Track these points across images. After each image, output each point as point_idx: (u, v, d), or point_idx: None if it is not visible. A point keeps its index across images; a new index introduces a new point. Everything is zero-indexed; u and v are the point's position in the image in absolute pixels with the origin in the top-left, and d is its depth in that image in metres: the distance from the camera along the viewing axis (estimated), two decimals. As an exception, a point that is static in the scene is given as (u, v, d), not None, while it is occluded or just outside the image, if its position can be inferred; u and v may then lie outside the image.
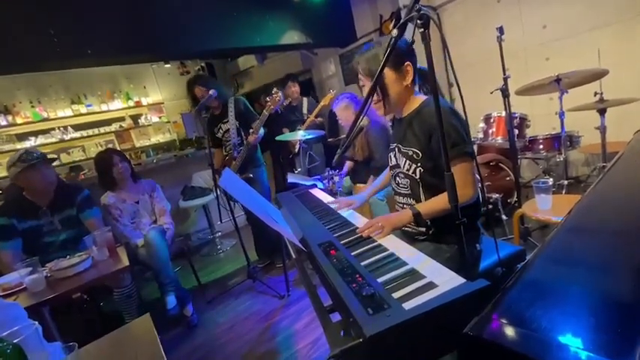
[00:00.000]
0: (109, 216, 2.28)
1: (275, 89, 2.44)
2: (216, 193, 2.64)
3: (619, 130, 2.48)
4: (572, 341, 0.45)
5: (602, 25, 2.61)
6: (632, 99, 2.12)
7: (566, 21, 2.78)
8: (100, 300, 2.27)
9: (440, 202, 1.06)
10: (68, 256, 1.71)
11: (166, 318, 2.13)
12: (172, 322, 2.19)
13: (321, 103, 3.40)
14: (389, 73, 1.13)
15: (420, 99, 1.19)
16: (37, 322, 0.71)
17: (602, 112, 2.22)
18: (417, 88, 1.21)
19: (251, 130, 2.46)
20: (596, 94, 2.19)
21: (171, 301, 2.14)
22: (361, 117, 1.08)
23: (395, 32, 0.85)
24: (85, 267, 1.64)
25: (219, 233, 3.78)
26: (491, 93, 2.17)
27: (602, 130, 2.25)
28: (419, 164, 1.15)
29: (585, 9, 2.65)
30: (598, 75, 2.15)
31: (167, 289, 2.15)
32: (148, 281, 2.58)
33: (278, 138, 2.96)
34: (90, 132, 4.89)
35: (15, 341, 0.61)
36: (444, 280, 0.73)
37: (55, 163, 2.31)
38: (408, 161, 1.18)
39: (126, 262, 1.67)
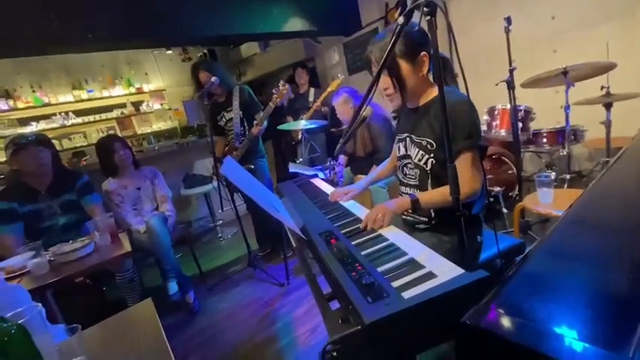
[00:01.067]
0: (110, 202, 2.30)
1: (282, 82, 2.41)
2: (218, 181, 2.64)
3: (624, 125, 2.45)
4: (568, 332, 0.46)
5: (611, 18, 2.55)
6: (639, 94, 2.10)
7: (575, 13, 2.72)
8: (103, 284, 2.30)
9: (442, 193, 1.06)
10: (71, 241, 1.73)
11: (168, 304, 2.16)
12: (174, 308, 2.23)
13: (328, 89, 3.36)
14: (404, 65, 1.11)
15: (437, 89, 1.17)
16: (40, 304, 0.72)
17: (608, 106, 2.19)
18: (431, 77, 1.19)
19: (255, 122, 2.44)
20: (602, 87, 2.16)
21: (172, 287, 2.18)
22: (364, 107, 1.07)
23: (401, 20, 0.83)
24: (88, 252, 1.66)
25: (221, 221, 3.80)
26: (497, 85, 2.15)
27: (608, 124, 2.22)
28: (432, 155, 1.13)
29: (595, 1, 2.59)
30: (606, 68, 2.12)
31: (169, 275, 2.18)
32: (150, 267, 2.61)
33: (280, 127, 2.94)
34: (91, 118, 4.88)
35: (18, 323, 0.62)
36: (444, 270, 0.74)
37: (57, 149, 2.32)
38: (420, 151, 1.17)
39: (128, 247, 1.68)
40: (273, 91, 2.39)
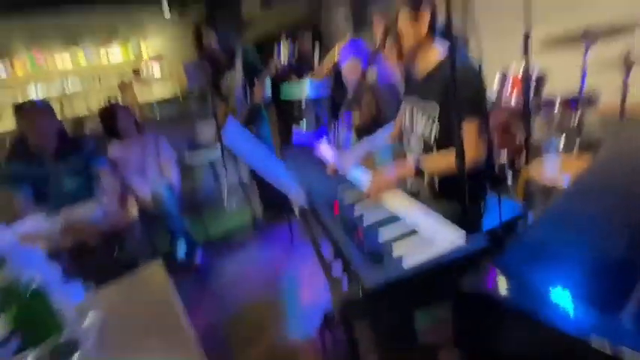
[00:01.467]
0: (115, 167, 2.32)
1: (283, 43, 2.30)
2: (221, 147, 2.63)
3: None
4: (563, 295, 0.47)
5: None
6: (663, 56, 1.97)
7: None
8: (114, 245, 2.38)
9: (446, 158, 1.04)
10: (80, 205, 1.77)
11: (176, 265, 2.25)
12: (182, 268, 2.32)
13: (334, 50, 3.20)
14: (404, 18, 1.04)
15: (440, 51, 1.11)
16: (54, 265, 0.76)
17: (628, 69, 2.07)
18: (436, 36, 1.12)
19: (256, 86, 2.37)
20: (624, 50, 2.03)
21: (181, 247, 2.26)
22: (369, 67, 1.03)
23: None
24: (97, 215, 1.70)
25: (225, 187, 3.84)
26: (511, 46, 2.02)
27: (625, 88, 2.12)
28: (436, 121, 1.10)
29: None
30: (629, 27, 1.98)
31: (177, 235, 2.25)
32: (158, 230, 2.69)
33: (284, 96, 2.86)
34: (91, 86, 4.79)
35: (35, 284, 0.65)
36: (445, 237, 0.75)
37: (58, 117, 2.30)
38: (424, 117, 1.13)
39: (135, 211, 1.72)
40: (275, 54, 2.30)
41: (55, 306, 0.66)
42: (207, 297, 2.08)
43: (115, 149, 2.31)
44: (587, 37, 2.04)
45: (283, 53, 2.26)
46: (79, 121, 4.40)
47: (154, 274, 1.08)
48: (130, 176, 2.33)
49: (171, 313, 0.85)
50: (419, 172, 1.09)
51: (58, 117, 2.13)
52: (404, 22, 1.05)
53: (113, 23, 4.99)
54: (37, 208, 1.66)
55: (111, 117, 2.24)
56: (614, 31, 2.04)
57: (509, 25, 2.35)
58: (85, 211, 1.68)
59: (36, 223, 1.60)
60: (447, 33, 0.76)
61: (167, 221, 2.21)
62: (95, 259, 2.24)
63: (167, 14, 4.97)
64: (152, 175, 2.40)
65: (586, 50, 2.11)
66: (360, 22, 4.23)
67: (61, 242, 1.50)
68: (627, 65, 2.05)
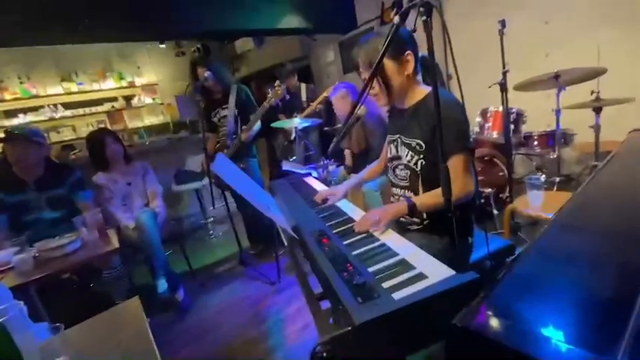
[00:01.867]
0: (99, 197, 2.26)
1: (278, 82, 2.40)
2: (209, 178, 2.61)
3: (613, 129, 2.49)
4: (556, 334, 0.46)
5: (602, 24, 2.59)
6: (628, 99, 2.13)
7: (567, 18, 2.76)
8: (90, 281, 2.26)
9: (436, 195, 1.06)
10: (57, 237, 1.70)
11: (157, 301, 2.13)
12: (163, 305, 2.20)
13: (324, 94, 3.34)
14: (389, 63, 1.11)
15: (425, 90, 1.18)
16: (22, 302, 0.70)
17: (597, 110, 2.22)
18: (420, 78, 1.19)
19: (244, 127, 2.43)
20: (592, 92, 2.19)
21: (162, 284, 2.14)
22: (358, 106, 1.07)
23: (397, 20, 0.83)
24: (74, 248, 1.63)
25: (212, 218, 3.77)
26: (490, 87, 2.16)
27: (597, 128, 2.26)
28: (421, 156, 1.14)
29: (587, 7, 2.63)
30: (596, 73, 2.16)
31: (158, 272, 2.15)
32: (139, 264, 2.57)
33: (274, 125, 2.93)
34: (81, 111, 4.79)
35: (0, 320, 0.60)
36: (434, 271, 0.74)
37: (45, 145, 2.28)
38: (410, 152, 1.17)
39: (116, 243, 1.66)
40: (268, 90, 2.37)
41: (17, 345, 0.61)
42: (189, 335, 1.95)
43: (100, 178, 2.26)
44: (559, 81, 2.20)
45: (275, 91, 2.33)
46: (66, 147, 4.34)
47: (130, 312, 1.01)
48: (114, 205, 2.27)
49: (147, 356, 0.79)
50: (414, 210, 1.10)
51: (45, 143, 2.10)
52: (389, 64, 1.11)
53: (108, 57, 5.11)
54: (12, 240, 1.58)
55: (99, 144, 2.21)
56: (582, 76, 2.21)
57: (488, 67, 2.53)
58: (63, 243, 1.60)
59: (5, 255, 1.51)
60: (430, 73, 0.81)
61: (149, 253, 2.12)
62: (68, 295, 2.11)
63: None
64: (137, 205, 2.35)
65: (558, 92, 2.27)
66: (348, 62, 4.46)
67: (33, 276, 1.41)
68: (596, 108, 2.20)
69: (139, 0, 2.78)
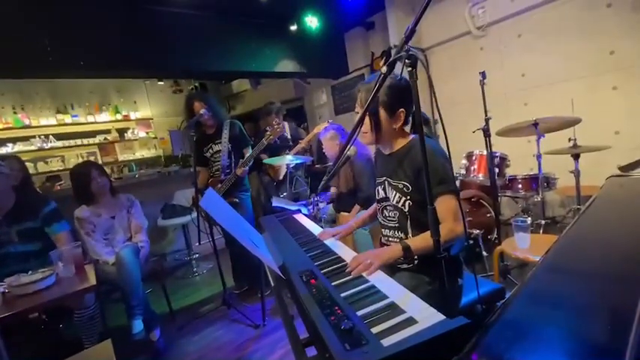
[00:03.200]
0: (80, 230, 2.17)
1: (276, 120, 2.46)
2: (197, 213, 2.57)
3: (592, 174, 2.59)
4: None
5: (575, 78, 2.82)
6: (604, 146, 2.26)
7: (542, 71, 3.00)
8: (60, 322, 2.10)
9: (427, 238, 1.06)
10: (30, 272, 1.60)
11: (130, 344, 1.98)
12: (137, 348, 2.04)
13: (314, 131, 3.41)
14: (383, 113, 1.17)
15: (409, 137, 1.24)
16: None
17: (576, 157, 2.34)
18: (407, 129, 1.25)
19: (241, 161, 2.45)
20: (570, 140, 2.32)
21: (137, 325, 2.00)
22: (349, 146, 1.10)
23: (384, 69, 0.89)
24: (48, 284, 1.53)
25: (197, 255, 3.64)
26: (474, 132, 2.27)
27: (577, 173, 2.36)
28: (408, 197, 1.17)
29: (561, 61, 2.88)
30: (572, 122, 2.30)
31: (134, 311, 2.01)
32: (115, 303, 2.42)
33: (266, 161, 2.96)
34: (72, 142, 4.78)
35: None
36: (424, 316, 0.72)
37: (31, 172, 2.23)
38: (398, 194, 1.20)
39: (93, 280, 1.57)
40: (267, 128, 2.43)
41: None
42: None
43: (83, 211, 2.19)
44: (537, 128, 2.33)
45: (275, 129, 2.39)
46: (51, 178, 4.26)
47: (101, 357, 0.94)
48: (95, 239, 2.18)
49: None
50: (408, 254, 1.09)
51: (10, 173, 2.04)
52: (382, 113, 1.18)
53: (105, 91, 5.22)
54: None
55: (84, 177, 2.15)
56: (559, 125, 2.35)
57: (471, 113, 2.67)
58: (36, 278, 1.51)
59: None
60: (417, 124, 0.85)
61: (127, 291, 2.00)
62: (34, 336, 1.95)
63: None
64: (119, 240, 2.26)
65: (538, 138, 2.39)
66: (339, 104, 4.67)
67: (0, 314, 1.31)
68: (574, 154, 2.32)
69: (140, 39, 2.91)
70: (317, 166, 3.54)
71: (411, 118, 1.23)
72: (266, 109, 3.42)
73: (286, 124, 3.85)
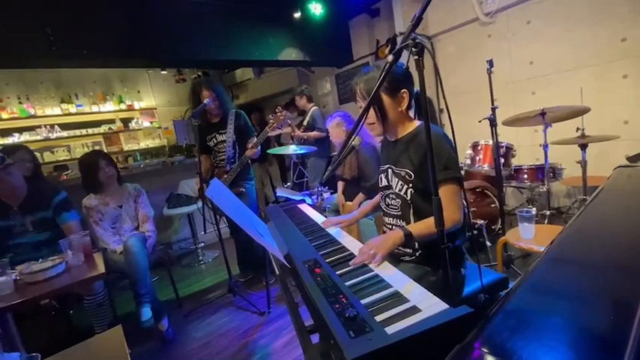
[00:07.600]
0: (89, 219, 2.21)
1: (279, 107, 2.45)
2: (203, 202, 2.59)
3: (599, 164, 2.57)
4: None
5: (584, 66, 2.76)
6: (612, 136, 2.22)
7: (551, 59, 2.93)
8: (71, 308, 2.15)
9: (428, 224, 1.06)
10: (41, 260, 1.64)
11: (140, 331, 2.03)
12: (146, 335, 2.10)
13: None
14: (386, 98, 1.16)
15: (415, 123, 1.23)
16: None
17: (583, 147, 2.31)
18: (412, 113, 1.24)
19: (250, 145, 2.45)
20: (578, 129, 2.29)
21: (146, 313, 2.05)
22: (354, 136, 1.10)
23: (390, 58, 0.87)
24: (58, 272, 1.57)
25: (202, 244, 3.69)
26: (480, 122, 2.24)
27: (583, 164, 2.33)
28: (411, 185, 1.17)
29: (569, 50, 2.81)
30: (580, 112, 2.26)
31: (143, 299, 2.06)
32: (123, 291, 2.47)
33: (271, 151, 2.96)
34: (77, 132, 4.81)
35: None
36: (428, 305, 0.73)
37: (38, 162, 2.27)
38: (400, 182, 1.20)
39: (102, 268, 1.60)
40: (271, 116, 2.42)
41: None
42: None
43: (91, 200, 2.23)
44: (545, 118, 2.29)
45: (277, 117, 2.37)
46: (58, 167, 4.30)
47: (112, 343, 0.97)
48: (103, 228, 2.22)
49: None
50: (409, 240, 1.09)
51: (36, 162, 2.06)
52: (385, 98, 1.16)
53: (109, 80, 5.21)
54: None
55: (92, 166, 2.18)
56: (567, 114, 2.32)
57: (478, 103, 2.64)
58: (46, 266, 1.54)
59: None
60: (422, 108, 0.84)
61: (135, 280, 2.04)
62: (46, 322, 2.01)
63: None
64: (126, 229, 2.30)
65: (545, 128, 2.36)
66: (344, 93, 4.62)
67: (12, 300, 1.34)
68: (582, 144, 2.28)
69: (143, 28, 2.88)
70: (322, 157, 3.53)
71: (414, 102, 1.22)
72: (292, 92, 3.56)
73: (316, 109, 3.76)
